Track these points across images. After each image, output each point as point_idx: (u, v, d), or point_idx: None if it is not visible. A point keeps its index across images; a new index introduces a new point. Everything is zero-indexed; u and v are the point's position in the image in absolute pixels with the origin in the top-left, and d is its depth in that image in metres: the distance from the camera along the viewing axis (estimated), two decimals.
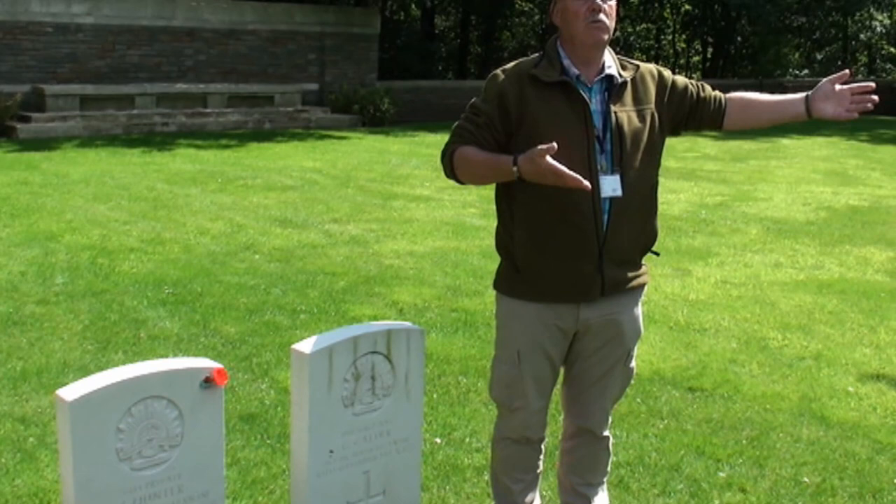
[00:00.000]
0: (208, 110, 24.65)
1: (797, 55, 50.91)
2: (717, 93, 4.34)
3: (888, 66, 53.90)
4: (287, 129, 24.73)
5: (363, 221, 12.49)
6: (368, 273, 9.70)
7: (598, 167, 3.95)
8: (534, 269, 4.06)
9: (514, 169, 3.81)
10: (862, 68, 53.75)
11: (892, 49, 52.82)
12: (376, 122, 26.69)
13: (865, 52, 54.18)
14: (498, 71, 4.12)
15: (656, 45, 50.34)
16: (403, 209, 13.37)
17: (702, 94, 4.28)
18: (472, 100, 4.11)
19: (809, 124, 31.85)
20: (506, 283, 4.20)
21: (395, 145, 22.15)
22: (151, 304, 8.37)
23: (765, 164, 20.60)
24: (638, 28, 49.78)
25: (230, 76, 26.42)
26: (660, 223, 4.30)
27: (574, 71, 3.98)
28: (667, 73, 4.24)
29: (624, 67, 4.10)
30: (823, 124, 32.57)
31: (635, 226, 4.11)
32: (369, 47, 29.19)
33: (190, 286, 8.98)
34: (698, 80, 34.27)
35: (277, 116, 25.53)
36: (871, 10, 44.92)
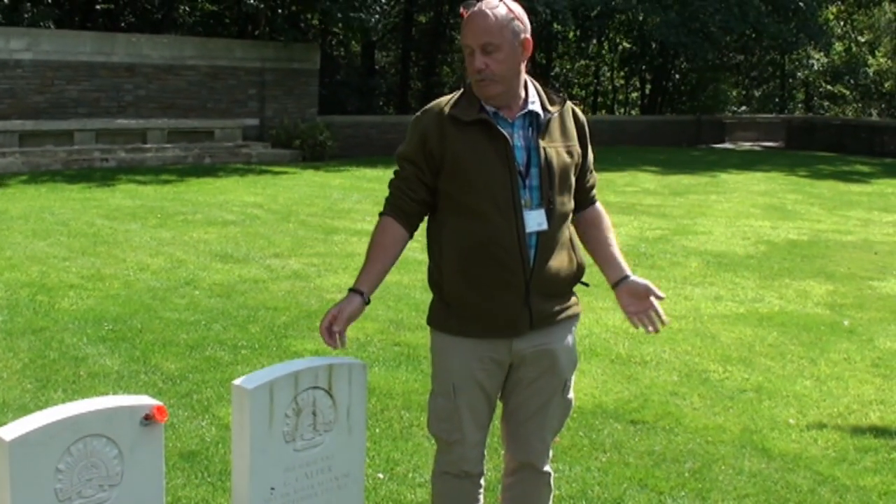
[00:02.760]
0: (148, 145, 24.52)
1: (735, 92, 51.47)
2: (595, 193, 4.41)
3: (825, 103, 54.58)
4: (227, 164, 24.63)
5: (305, 256, 12.46)
6: (310, 308, 9.66)
7: (522, 203, 3.97)
8: (462, 304, 4.06)
9: (349, 290, 4.06)
10: (800, 105, 54.43)
11: (829, 87, 53.48)
12: (317, 156, 26.65)
13: (803, 90, 54.84)
14: (419, 113, 4.13)
15: (595, 82, 50.65)
16: (345, 243, 13.35)
17: (588, 183, 4.34)
18: (399, 149, 4.13)
19: (748, 160, 32.19)
20: (438, 318, 4.20)
21: (336, 180, 22.13)
22: (91, 341, 8.29)
23: (704, 198, 20.76)
24: (576, 65, 50.06)
25: (170, 111, 26.29)
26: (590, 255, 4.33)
27: (491, 108, 3.99)
28: (587, 127, 4.26)
29: (552, 101, 4.10)
30: (762, 159, 32.93)
31: (562, 258, 4.11)
32: (309, 82, 29.19)
33: (130, 322, 8.90)
34: (636, 115, 34.61)
35: (218, 151, 25.44)
36: (809, 48, 45.49)
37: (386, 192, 4.19)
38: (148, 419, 3.52)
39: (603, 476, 5.88)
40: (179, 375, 7.49)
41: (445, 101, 4.10)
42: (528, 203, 3.98)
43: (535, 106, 4.03)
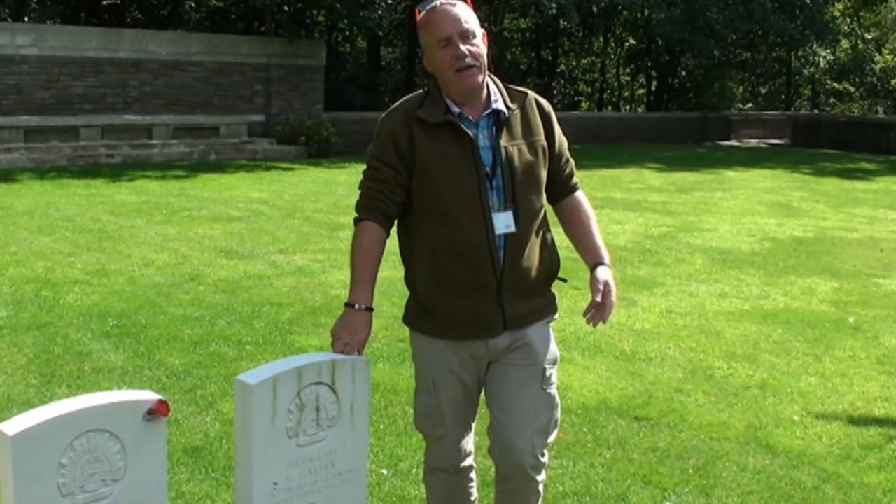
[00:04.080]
0: (153, 141, 24.54)
1: (741, 89, 51.43)
2: (575, 180, 4.37)
3: (831, 100, 54.54)
4: (233, 161, 24.65)
5: (309, 252, 12.46)
6: (315, 303, 9.67)
7: (490, 204, 3.96)
8: (437, 307, 4.06)
9: (346, 304, 4.07)
10: (806, 102, 54.38)
11: (835, 84, 53.45)
12: (322, 153, 26.65)
13: (809, 87, 54.79)
14: (385, 115, 4.13)
15: (601, 79, 50.60)
16: (349, 240, 13.27)
17: (565, 171, 4.30)
18: (369, 150, 4.12)
19: (755, 156, 32.16)
20: (414, 319, 4.22)
21: (341, 176, 22.12)
22: (96, 337, 8.30)
23: (710, 195, 20.74)
24: (582, 62, 50.02)
25: (175, 107, 26.29)
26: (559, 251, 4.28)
27: (456, 109, 3.99)
28: (555, 123, 4.23)
29: (512, 98, 4.10)
30: (768, 156, 32.90)
31: (534, 257, 4.10)
32: (315, 78, 29.19)
33: (135, 318, 8.91)
34: (642, 112, 34.51)
35: (223, 147, 25.45)
36: (815, 46, 45.42)
37: None
38: (151, 414, 3.52)
39: (607, 472, 5.88)
40: (184, 371, 7.50)
41: (410, 102, 4.11)
42: (496, 205, 3.98)
43: (498, 104, 4.04)
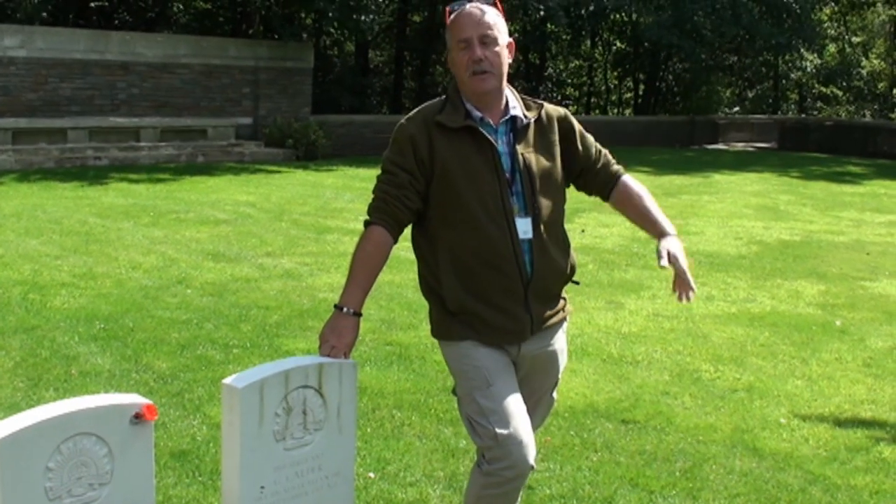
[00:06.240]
0: (141, 144, 24.50)
1: (728, 93, 51.50)
2: (616, 168, 4.37)
3: (818, 104, 54.66)
4: (221, 163, 24.61)
5: (297, 255, 12.45)
6: (302, 307, 9.65)
7: (513, 209, 3.97)
8: (467, 312, 4.03)
9: (335, 306, 4.07)
10: (793, 106, 54.47)
11: (822, 88, 53.56)
12: (310, 156, 26.63)
13: (796, 91, 54.88)
14: (403, 120, 4.12)
15: (589, 82, 50.61)
16: (337, 243, 13.33)
17: (600, 163, 4.31)
18: (385, 155, 4.10)
19: (742, 160, 32.18)
20: (443, 328, 4.15)
21: (329, 179, 22.12)
22: (83, 340, 8.28)
23: (697, 198, 20.77)
24: (570, 66, 50.04)
25: (163, 110, 26.26)
26: (583, 255, 4.31)
27: (477, 114, 4.00)
28: (576, 123, 4.24)
29: (528, 108, 4.12)
30: (756, 160, 32.94)
31: (556, 261, 4.12)
32: (303, 81, 29.17)
33: (122, 321, 8.89)
34: (630, 115, 34.54)
35: (211, 150, 25.41)
36: (802, 50, 45.51)
37: None
38: (138, 418, 3.51)
39: (594, 475, 5.88)
40: (171, 374, 7.48)
41: (429, 108, 4.11)
42: (517, 210, 3.99)
43: (516, 111, 4.06)
